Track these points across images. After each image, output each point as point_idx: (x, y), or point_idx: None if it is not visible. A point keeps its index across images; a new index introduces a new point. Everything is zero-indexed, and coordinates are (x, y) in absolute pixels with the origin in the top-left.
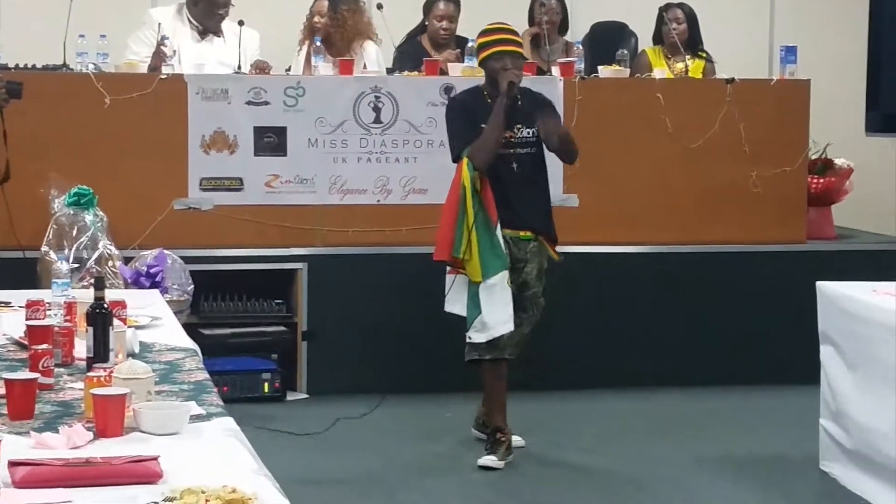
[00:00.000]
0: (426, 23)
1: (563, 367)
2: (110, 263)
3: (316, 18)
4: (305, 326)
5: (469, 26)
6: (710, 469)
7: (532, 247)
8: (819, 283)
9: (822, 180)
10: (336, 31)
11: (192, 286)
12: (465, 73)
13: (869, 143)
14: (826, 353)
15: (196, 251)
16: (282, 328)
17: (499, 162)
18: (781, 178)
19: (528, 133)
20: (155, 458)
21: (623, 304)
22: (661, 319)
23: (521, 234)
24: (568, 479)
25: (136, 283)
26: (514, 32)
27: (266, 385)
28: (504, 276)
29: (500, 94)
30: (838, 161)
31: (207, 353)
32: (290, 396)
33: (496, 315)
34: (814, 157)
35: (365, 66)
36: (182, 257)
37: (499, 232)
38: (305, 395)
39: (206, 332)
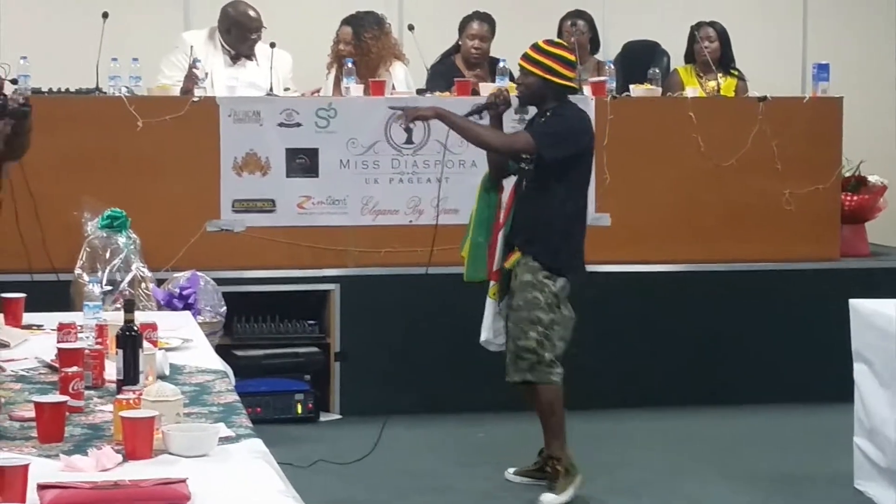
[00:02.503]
0: (460, 42)
1: (594, 384)
2: (143, 286)
3: (341, 46)
4: (338, 347)
5: (502, 47)
6: (744, 487)
7: (510, 258)
8: (852, 301)
9: (855, 197)
10: (360, 60)
11: (225, 308)
12: None
13: None
14: (860, 370)
15: (229, 273)
16: (315, 349)
17: (518, 177)
18: (815, 196)
19: None
20: (183, 481)
21: (656, 322)
22: (695, 337)
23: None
24: (597, 497)
25: (168, 304)
26: (536, 47)
27: (299, 406)
28: (490, 287)
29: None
30: (872, 178)
31: (240, 375)
32: (324, 417)
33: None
34: (847, 175)
35: (394, 88)
36: (215, 279)
37: (499, 243)
38: (339, 416)
39: (240, 353)
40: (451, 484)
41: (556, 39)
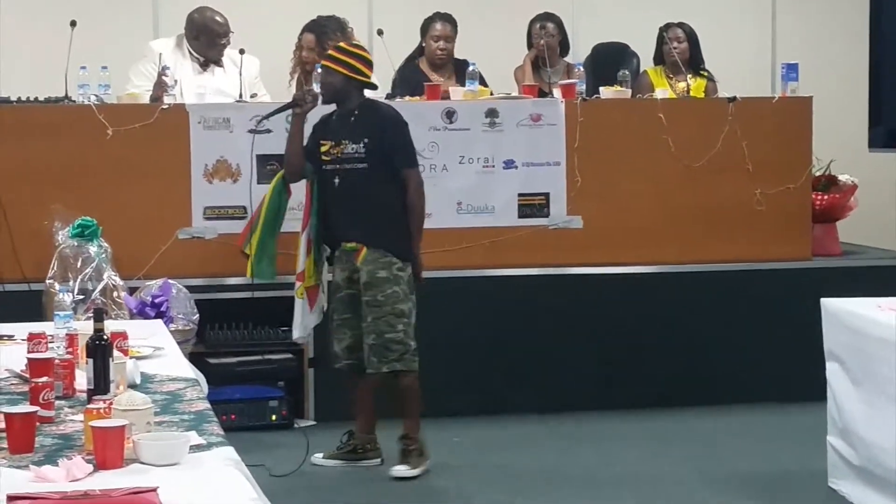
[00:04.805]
0: (423, 44)
1: (569, 387)
2: (115, 294)
3: (304, 53)
4: (312, 353)
5: (467, 49)
6: (718, 487)
7: (359, 256)
8: (823, 300)
9: (826, 197)
10: None
11: (198, 315)
12: (466, 97)
13: (872, 160)
14: (832, 369)
15: (201, 280)
16: (288, 355)
17: (324, 176)
18: (785, 196)
19: (354, 149)
20: (154, 490)
21: (628, 324)
22: (667, 338)
23: (346, 245)
24: (576, 497)
25: (141, 313)
26: (339, 48)
27: (273, 413)
28: (297, 287)
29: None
30: (842, 177)
31: (214, 382)
32: (298, 423)
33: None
34: (817, 174)
35: None
36: (187, 286)
37: (302, 244)
38: (313, 422)
39: (213, 360)
40: (431, 485)
41: (355, 41)
